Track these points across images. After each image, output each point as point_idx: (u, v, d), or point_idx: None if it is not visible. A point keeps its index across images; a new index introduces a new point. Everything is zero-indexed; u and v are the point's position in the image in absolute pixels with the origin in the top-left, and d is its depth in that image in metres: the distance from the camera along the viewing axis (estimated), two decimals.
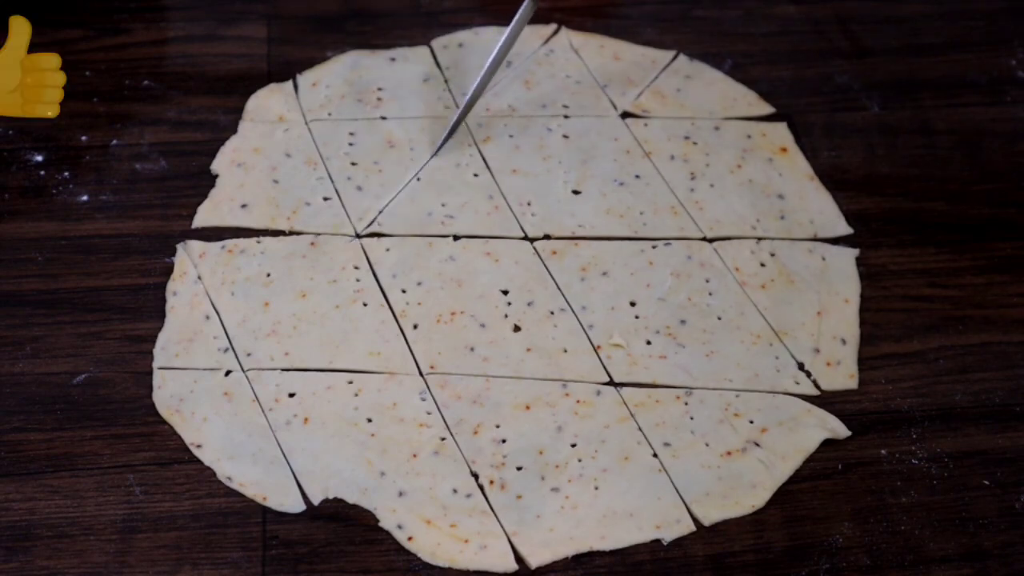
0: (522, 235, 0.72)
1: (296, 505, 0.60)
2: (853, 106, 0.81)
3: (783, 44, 0.85)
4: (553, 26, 0.84)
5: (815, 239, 0.73)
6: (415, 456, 0.62)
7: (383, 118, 0.78)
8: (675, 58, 0.83)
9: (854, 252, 0.72)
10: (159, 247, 0.71)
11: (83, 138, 0.77)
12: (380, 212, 0.73)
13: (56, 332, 0.67)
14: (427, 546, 0.59)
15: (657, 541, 0.60)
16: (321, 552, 0.59)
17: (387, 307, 0.68)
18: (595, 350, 0.67)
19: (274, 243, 0.71)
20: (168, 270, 0.70)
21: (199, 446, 0.62)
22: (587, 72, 0.81)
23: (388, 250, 0.71)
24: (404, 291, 0.69)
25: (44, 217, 0.72)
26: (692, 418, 0.64)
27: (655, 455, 0.63)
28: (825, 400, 0.65)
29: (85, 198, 0.73)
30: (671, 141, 0.77)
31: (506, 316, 0.68)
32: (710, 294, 0.69)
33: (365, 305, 0.68)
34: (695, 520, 0.61)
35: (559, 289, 0.69)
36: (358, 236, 0.72)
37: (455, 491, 0.61)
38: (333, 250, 0.71)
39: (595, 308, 0.69)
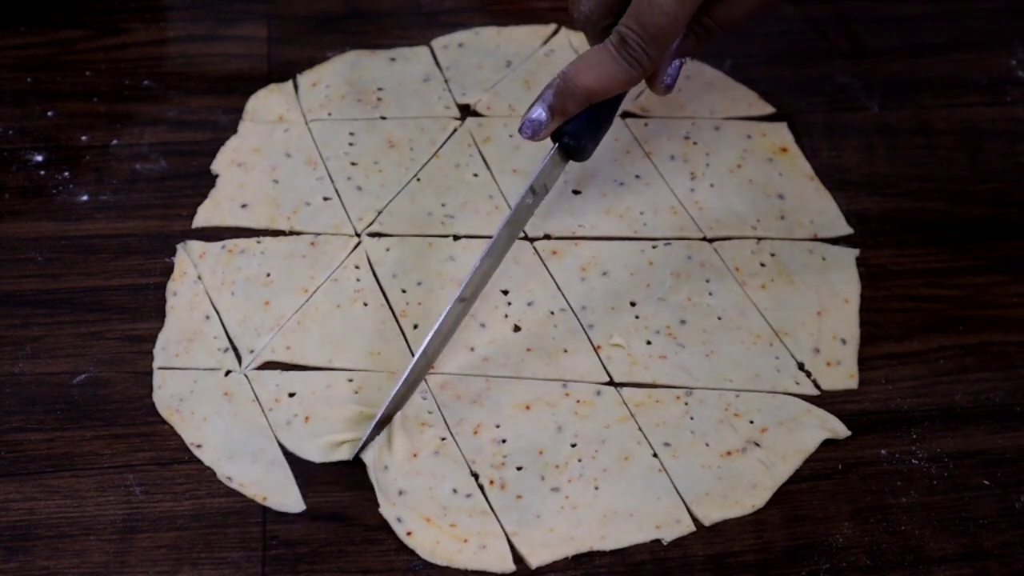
0: (522, 235, 0.72)
1: (296, 505, 0.61)
2: (853, 106, 0.81)
3: (783, 44, 0.85)
4: (553, 26, 0.85)
5: (815, 239, 0.73)
6: (415, 456, 0.62)
7: (383, 118, 0.78)
8: None
9: (854, 252, 0.72)
10: (159, 247, 0.71)
11: (83, 138, 0.77)
12: (380, 212, 0.73)
13: (56, 332, 0.67)
14: (426, 543, 0.59)
15: (657, 541, 0.60)
16: (321, 552, 0.59)
17: (387, 307, 0.68)
18: (595, 350, 0.67)
19: (274, 243, 0.71)
20: (168, 270, 0.70)
21: (199, 446, 0.62)
22: None
23: (388, 250, 0.71)
24: (404, 291, 0.69)
25: (44, 217, 0.72)
26: (692, 418, 0.64)
27: (655, 455, 0.63)
28: (825, 400, 0.65)
29: (85, 198, 0.73)
30: (671, 141, 0.78)
31: (506, 316, 0.68)
32: (710, 294, 0.69)
33: (365, 305, 0.68)
34: (695, 520, 0.61)
35: (559, 289, 0.69)
36: (358, 236, 0.72)
37: (455, 491, 0.61)
38: (333, 250, 0.71)
39: (595, 308, 0.69)
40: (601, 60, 0.63)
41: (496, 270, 0.65)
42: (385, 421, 0.63)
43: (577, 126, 0.64)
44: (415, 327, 0.67)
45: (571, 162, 0.67)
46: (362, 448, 0.62)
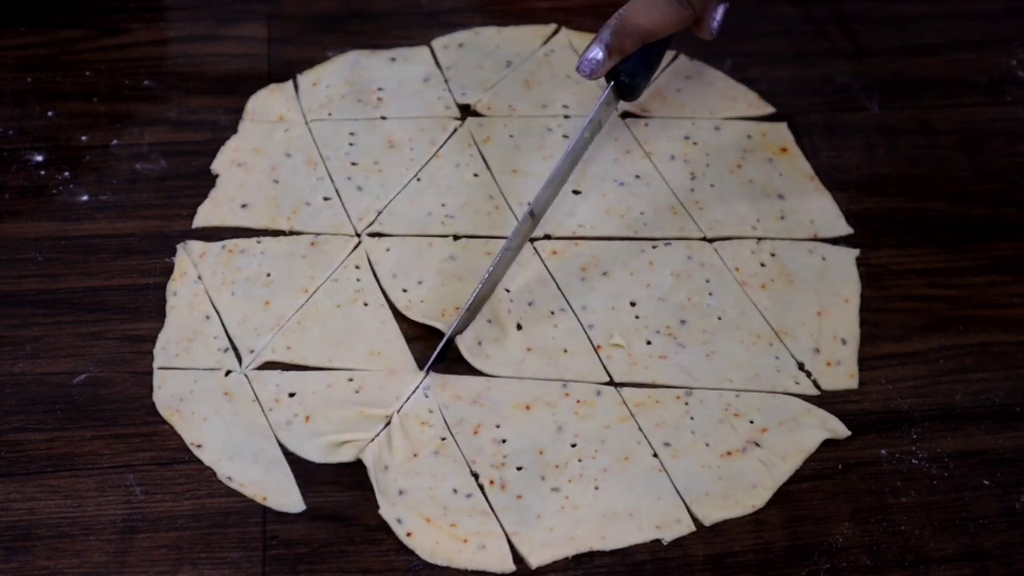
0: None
1: (296, 505, 0.61)
2: (853, 106, 0.81)
3: (783, 44, 0.85)
4: (553, 26, 0.85)
5: (815, 239, 0.73)
6: (415, 455, 0.62)
7: (383, 118, 0.78)
8: (675, 58, 0.83)
9: (854, 252, 0.72)
10: (159, 247, 0.71)
11: (83, 138, 0.77)
12: (380, 212, 0.73)
13: (56, 332, 0.67)
14: (426, 544, 0.59)
15: (657, 541, 0.60)
16: (321, 552, 0.59)
17: (387, 307, 0.68)
18: (595, 350, 0.67)
19: (274, 243, 0.71)
20: (168, 270, 0.70)
21: (199, 446, 0.62)
22: None
23: (388, 250, 0.71)
24: (405, 290, 0.69)
25: (44, 217, 0.72)
26: (692, 418, 0.64)
27: (655, 455, 0.63)
28: (825, 400, 0.65)
29: (85, 198, 0.73)
30: (671, 141, 0.78)
31: (509, 311, 0.68)
32: (710, 294, 0.69)
33: (365, 305, 0.68)
34: (695, 520, 0.61)
35: (559, 289, 0.69)
36: (358, 236, 0.72)
37: (455, 491, 0.61)
38: (333, 250, 0.71)
39: (595, 308, 0.69)
40: (656, 1, 0.68)
41: (557, 196, 0.70)
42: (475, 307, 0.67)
43: (632, 65, 0.69)
44: (420, 321, 0.67)
45: (572, 177, 0.67)
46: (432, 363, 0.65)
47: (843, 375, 0.67)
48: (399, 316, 0.68)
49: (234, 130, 0.77)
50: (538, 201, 0.68)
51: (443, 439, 0.63)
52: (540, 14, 0.86)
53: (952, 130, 0.80)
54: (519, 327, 0.67)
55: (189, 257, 0.70)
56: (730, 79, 0.82)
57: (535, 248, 0.71)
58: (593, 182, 0.75)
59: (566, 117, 0.78)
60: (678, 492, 0.61)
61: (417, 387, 0.65)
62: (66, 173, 0.75)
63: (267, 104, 0.79)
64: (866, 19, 0.87)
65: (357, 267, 0.70)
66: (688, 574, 0.59)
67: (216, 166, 0.75)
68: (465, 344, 0.66)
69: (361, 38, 0.84)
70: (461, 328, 0.67)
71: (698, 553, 0.60)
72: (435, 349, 0.66)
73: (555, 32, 0.84)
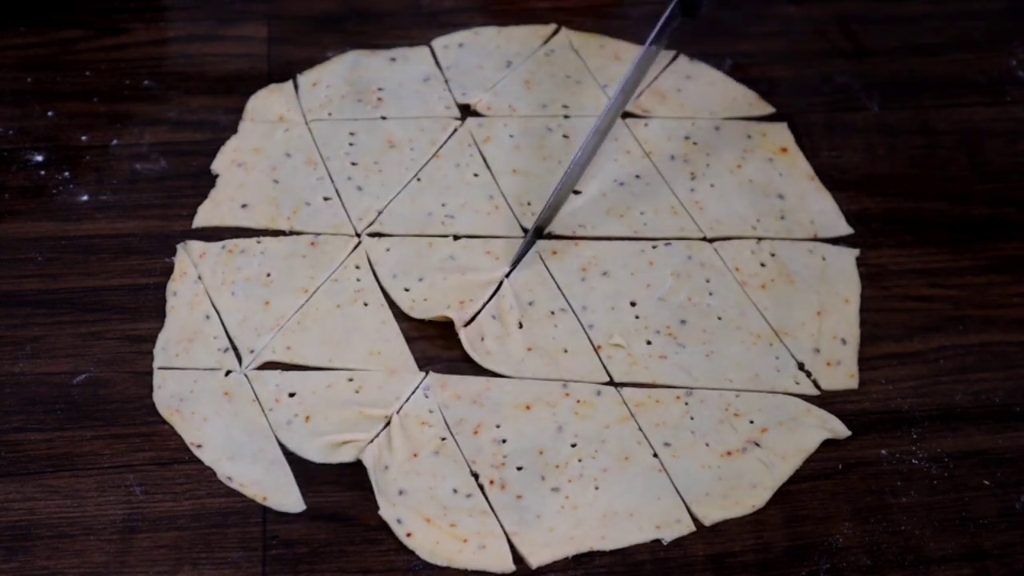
0: (522, 235, 0.72)
1: (296, 505, 0.61)
2: (853, 106, 0.81)
3: (783, 44, 0.85)
4: (553, 26, 0.85)
5: (815, 239, 0.73)
6: (415, 455, 0.62)
7: (383, 118, 0.78)
8: (675, 58, 0.83)
9: (854, 252, 0.72)
10: (159, 247, 0.71)
11: (83, 138, 0.77)
12: (380, 212, 0.73)
13: (56, 332, 0.67)
14: (426, 544, 0.59)
15: (657, 541, 0.60)
16: (321, 552, 0.59)
17: (387, 307, 0.68)
18: (595, 350, 0.67)
19: (274, 243, 0.71)
20: (168, 270, 0.70)
21: (199, 446, 0.62)
22: (587, 72, 0.81)
23: (388, 250, 0.71)
24: (407, 289, 0.69)
25: (44, 217, 0.72)
26: (692, 418, 0.64)
27: (655, 455, 0.63)
28: (825, 400, 0.65)
29: (85, 198, 0.73)
30: (671, 141, 0.78)
31: (510, 307, 0.68)
32: (710, 294, 0.69)
33: (365, 305, 0.68)
34: (695, 520, 0.61)
35: (559, 289, 0.69)
36: (358, 236, 0.72)
37: (455, 491, 0.61)
38: (333, 250, 0.71)
39: (595, 308, 0.69)
40: None
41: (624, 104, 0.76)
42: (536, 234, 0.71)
43: None
44: (425, 319, 0.68)
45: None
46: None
47: (843, 375, 0.67)
48: (399, 316, 0.68)
49: (234, 130, 0.77)
50: (610, 110, 0.72)
51: (443, 439, 0.63)
52: (540, 14, 0.86)
53: (952, 130, 0.80)
54: (520, 325, 0.67)
55: (189, 257, 0.70)
56: (730, 79, 0.82)
57: (535, 248, 0.71)
58: (593, 182, 0.75)
59: (566, 117, 0.79)
60: (678, 492, 0.61)
61: (417, 387, 0.65)
62: (66, 173, 0.75)
63: (267, 104, 0.79)
64: (866, 19, 0.87)
65: (357, 267, 0.70)
66: (688, 574, 0.59)
67: (216, 166, 0.75)
68: (468, 338, 0.66)
69: (361, 38, 0.84)
70: (549, 217, 0.71)
71: (698, 553, 0.60)
72: (436, 348, 0.66)
73: (555, 32, 0.84)
